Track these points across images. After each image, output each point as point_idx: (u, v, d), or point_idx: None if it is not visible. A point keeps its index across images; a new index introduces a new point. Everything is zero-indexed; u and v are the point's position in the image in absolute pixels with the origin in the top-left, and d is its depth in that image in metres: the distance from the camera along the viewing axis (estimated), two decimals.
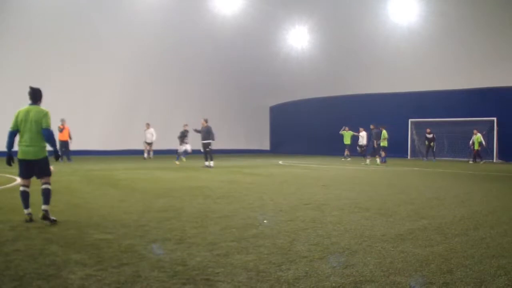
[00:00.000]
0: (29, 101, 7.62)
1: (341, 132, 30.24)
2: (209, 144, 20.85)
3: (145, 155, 27.56)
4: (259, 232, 6.72)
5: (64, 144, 24.06)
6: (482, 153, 27.84)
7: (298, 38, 36.68)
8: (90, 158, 27.37)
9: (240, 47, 34.34)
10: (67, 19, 27.96)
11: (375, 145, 25.63)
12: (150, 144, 27.42)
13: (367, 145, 28.20)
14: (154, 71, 32.63)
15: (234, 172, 18.41)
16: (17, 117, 7.47)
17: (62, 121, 23.92)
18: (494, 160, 28.53)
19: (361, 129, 28.72)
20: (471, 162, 27.34)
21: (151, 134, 27.24)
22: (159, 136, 28.20)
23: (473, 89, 29.37)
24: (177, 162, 23.20)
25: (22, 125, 7.39)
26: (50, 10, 27.30)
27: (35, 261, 5.03)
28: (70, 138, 24.47)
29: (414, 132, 32.76)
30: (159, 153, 30.56)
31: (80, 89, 28.89)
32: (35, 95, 7.64)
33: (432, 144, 29.78)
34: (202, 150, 21.10)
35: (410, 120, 32.62)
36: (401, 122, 32.24)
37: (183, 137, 24.30)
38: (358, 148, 29.25)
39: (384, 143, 26.09)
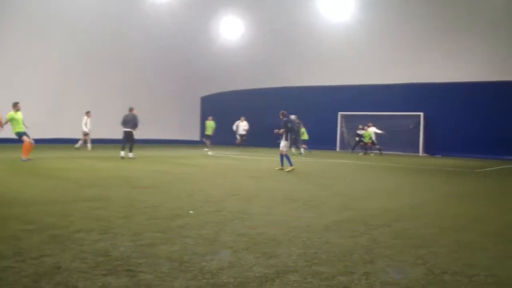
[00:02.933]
0: None
1: (207, 122, 31.18)
2: (132, 133, 19.87)
3: (89, 145, 25.94)
4: (185, 222, 6.75)
5: None
6: (372, 146, 29.84)
7: (232, 29, 36.54)
8: (19, 147, 26.24)
9: (173, 36, 33.80)
10: None
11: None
12: (87, 134, 25.90)
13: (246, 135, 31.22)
14: (87, 58, 31.55)
15: (163, 162, 18.25)
16: None
17: None
18: (420, 154, 29.75)
19: (242, 118, 31.52)
20: (362, 154, 29.17)
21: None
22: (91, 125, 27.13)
23: (402, 84, 30.50)
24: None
25: None
26: None
27: None
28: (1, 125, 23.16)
29: (343, 125, 33.57)
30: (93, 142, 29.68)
31: (8, 74, 27.52)
32: None
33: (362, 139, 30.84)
34: (126, 139, 19.83)
35: (339, 113, 33.36)
36: (331, 115, 32.99)
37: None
38: (238, 136, 31.86)
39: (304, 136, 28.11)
